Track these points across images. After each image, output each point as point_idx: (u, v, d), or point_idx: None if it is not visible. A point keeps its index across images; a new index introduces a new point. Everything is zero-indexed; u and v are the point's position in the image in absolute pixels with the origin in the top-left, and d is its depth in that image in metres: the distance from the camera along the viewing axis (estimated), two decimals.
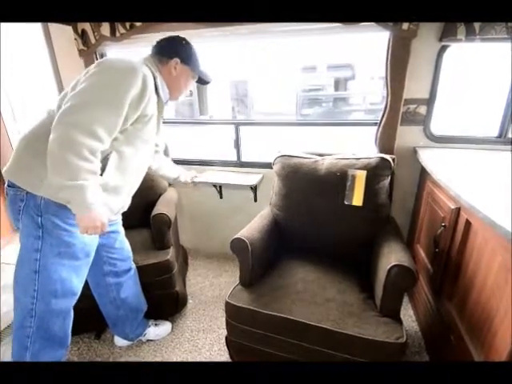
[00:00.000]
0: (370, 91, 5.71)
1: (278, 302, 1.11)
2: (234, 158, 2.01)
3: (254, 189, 1.93)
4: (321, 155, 1.53)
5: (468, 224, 1.11)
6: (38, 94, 2.46)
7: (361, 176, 1.30)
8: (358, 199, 1.30)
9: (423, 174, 1.63)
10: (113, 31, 1.75)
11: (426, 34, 1.46)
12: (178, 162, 2.07)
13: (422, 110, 1.61)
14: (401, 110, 1.57)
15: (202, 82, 1.29)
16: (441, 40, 1.45)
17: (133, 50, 2.00)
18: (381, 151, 1.64)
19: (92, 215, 0.92)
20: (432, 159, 1.46)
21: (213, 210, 2.18)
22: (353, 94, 5.59)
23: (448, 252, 1.25)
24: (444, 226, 1.25)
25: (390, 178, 1.40)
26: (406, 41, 1.42)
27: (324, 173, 1.37)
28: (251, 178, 1.87)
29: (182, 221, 2.18)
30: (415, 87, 1.56)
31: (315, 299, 1.12)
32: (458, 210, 1.17)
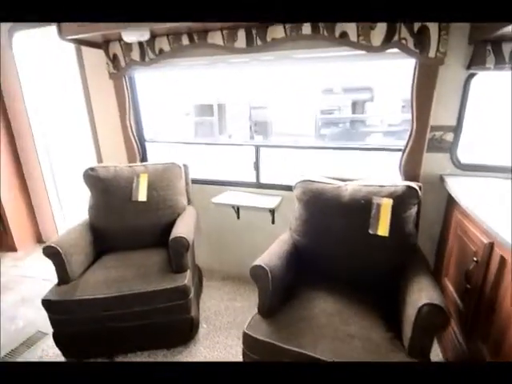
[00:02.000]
0: (388, 113, 5.70)
1: (299, 336, 1.05)
2: (253, 180, 2.01)
3: (272, 211, 1.91)
4: (343, 180, 1.50)
5: (503, 260, 1.04)
6: (67, 110, 2.57)
7: (386, 204, 1.26)
8: (383, 229, 1.26)
9: (450, 202, 1.57)
10: (142, 56, 1.83)
11: (454, 62, 1.44)
12: (197, 181, 2.09)
13: (449, 137, 1.57)
14: (427, 137, 1.54)
15: None
16: (469, 68, 1.43)
17: (160, 72, 2.08)
18: (406, 178, 1.60)
19: None
20: (461, 188, 1.40)
21: (229, 230, 2.16)
22: (370, 116, 5.59)
23: (481, 289, 1.17)
24: (476, 261, 1.18)
25: (416, 206, 1.34)
26: (433, 68, 1.40)
27: (348, 199, 1.33)
28: (270, 200, 1.85)
29: (198, 239, 2.17)
30: (441, 114, 1.53)
31: (338, 334, 1.06)
32: (492, 244, 1.10)
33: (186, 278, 1.46)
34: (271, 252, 1.30)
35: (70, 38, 1.71)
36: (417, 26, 1.36)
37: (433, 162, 1.61)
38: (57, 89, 2.50)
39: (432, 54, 1.37)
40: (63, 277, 1.46)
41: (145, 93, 2.21)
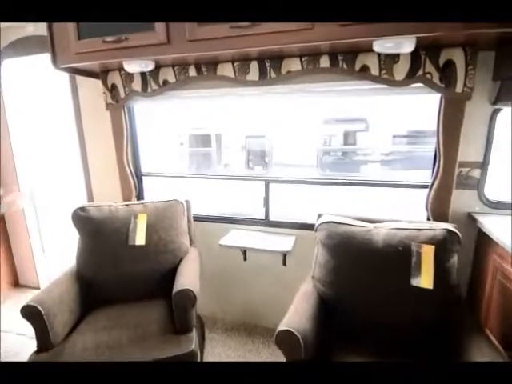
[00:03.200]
0: (379, 142, 5.78)
1: None
2: (262, 217, 1.84)
3: (283, 256, 1.72)
4: (370, 221, 1.36)
5: None
6: (57, 140, 2.38)
7: (428, 252, 1.11)
8: (427, 280, 1.10)
9: (483, 242, 1.45)
10: (144, 87, 1.70)
11: (479, 97, 1.38)
12: (200, 218, 1.91)
13: (476, 173, 1.48)
14: (455, 174, 1.44)
15: None
16: (494, 103, 1.37)
17: (162, 104, 1.96)
18: (434, 217, 1.47)
19: None
20: (496, 227, 1.29)
21: (235, 273, 1.95)
22: (365, 146, 5.65)
23: None
24: None
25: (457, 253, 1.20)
26: (460, 103, 1.33)
27: (382, 245, 1.18)
28: (282, 240, 1.68)
29: (199, 283, 1.94)
30: (467, 149, 1.45)
31: None
32: None
33: (193, 342, 1.22)
34: (298, 311, 1.10)
35: (65, 66, 1.57)
36: (442, 60, 1.30)
37: (460, 200, 1.50)
38: (46, 121, 2.33)
39: (459, 89, 1.30)
40: (44, 343, 1.20)
41: (140, 123, 2.07)
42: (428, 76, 1.32)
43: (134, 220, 1.53)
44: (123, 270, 1.50)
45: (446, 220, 1.42)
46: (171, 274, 1.46)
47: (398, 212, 1.51)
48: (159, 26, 1.32)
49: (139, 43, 1.39)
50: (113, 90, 1.77)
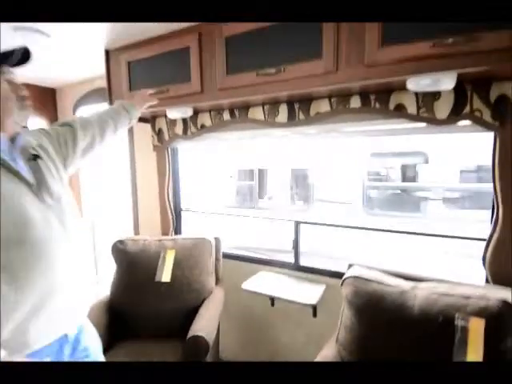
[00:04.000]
0: (444, 177, 5.12)
1: None
2: (292, 259, 1.75)
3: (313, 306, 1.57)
4: (407, 278, 1.17)
5: None
6: (115, 176, 2.69)
7: (477, 329, 0.89)
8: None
9: None
10: (185, 130, 1.84)
11: None
12: (229, 256, 1.89)
13: None
14: None
15: (9, 60, 0.83)
16: None
17: (201, 145, 2.08)
18: (493, 278, 1.21)
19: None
20: None
21: (262, 319, 1.84)
22: (426, 182, 5.05)
23: None
24: None
25: None
26: None
27: (417, 313, 0.99)
28: (311, 289, 1.54)
29: (224, 325, 1.87)
30: None
31: None
32: None
33: None
34: None
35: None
36: (494, 95, 1.13)
37: None
38: (108, 159, 2.66)
39: None
40: None
41: (187, 160, 2.21)
42: (477, 113, 1.16)
43: (163, 256, 1.59)
44: (148, 305, 1.53)
45: (509, 281, 1.14)
46: (193, 314, 1.44)
47: (452, 267, 1.27)
48: (194, 78, 1.45)
49: (178, 93, 1.53)
50: (159, 133, 1.96)
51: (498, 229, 1.20)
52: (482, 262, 1.25)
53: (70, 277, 0.84)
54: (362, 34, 1.09)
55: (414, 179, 5.16)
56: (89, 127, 1.11)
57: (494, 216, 1.22)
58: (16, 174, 0.76)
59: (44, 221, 0.78)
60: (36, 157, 0.84)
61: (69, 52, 1.75)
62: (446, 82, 1.06)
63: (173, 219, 2.04)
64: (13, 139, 0.81)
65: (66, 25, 1.43)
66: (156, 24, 1.43)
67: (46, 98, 2.54)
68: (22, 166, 0.79)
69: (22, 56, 0.85)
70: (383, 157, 5.09)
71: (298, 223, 1.70)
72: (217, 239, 1.76)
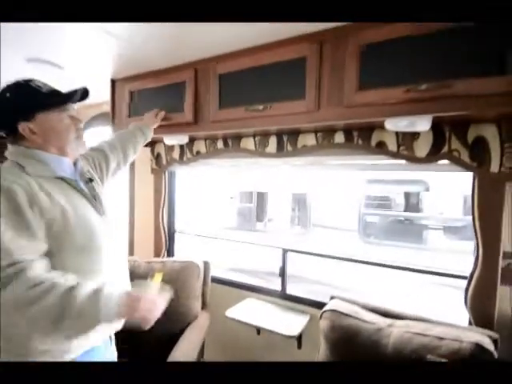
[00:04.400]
0: (445, 206, 5.02)
1: None
2: (279, 287, 1.75)
3: (298, 337, 1.55)
4: (386, 315, 1.17)
5: None
6: (115, 196, 2.77)
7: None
8: None
9: None
10: (181, 156, 1.92)
11: None
12: (217, 280, 1.90)
13: None
14: (499, 267, 1.18)
15: (72, 99, 0.95)
16: None
17: (198, 169, 2.15)
18: (475, 318, 1.19)
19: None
20: None
21: (247, 347, 1.82)
22: (425, 211, 4.97)
23: None
24: None
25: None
26: (498, 185, 1.14)
27: (391, 352, 0.99)
28: (295, 319, 1.54)
29: (209, 352, 1.84)
30: None
31: None
32: None
33: None
34: None
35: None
36: (471, 136, 1.17)
37: (510, 299, 1.19)
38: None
39: (495, 168, 1.13)
40: None
41: (188, 181, 2.27)
42: (455, 154, 1.19)
43: (150, 279, 1.61)
44: (131, 328, 1.54)
45: (490, 324, 1.13)
46: (176, 338, 1.45)
47: (443, 300, 1.25)
48: (187, 110, 1.54)
49: (174, 122, 1.62)
50: (157, 157, 2.04)
51: (478, 268, 1.20)
52: (463, 300, 1.24)
53: (118, 281, 0.98)
54: (341, 78, 1.16)
55: (416, 207, 5.10)
56: (114, 150, 1.27)
57: (475, 255, 1.22)
58: (81, 192, 0.93)
59: (102, 232, 0.92)
60: (91, 180, 1.02)
61: (79, 79, 1.88)
62: (421, 124, 1.11)
63: (166, 241, 2.08)
64: (74, 164, 0.97)
65: (77, 56, 1.55)
66: (157, 58, 1.55)
67: None
68: (83, 187, 0.96)
69: (82, 95, 0.98)
70: (380, 183, 5.07)
71: (285, 251, 1.72)
72: (206, 263, 1.78)
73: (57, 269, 0.81)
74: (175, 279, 1.63)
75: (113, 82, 1.88)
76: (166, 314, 1.54)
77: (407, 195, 5.19)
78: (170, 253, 2.15)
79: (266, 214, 5.98)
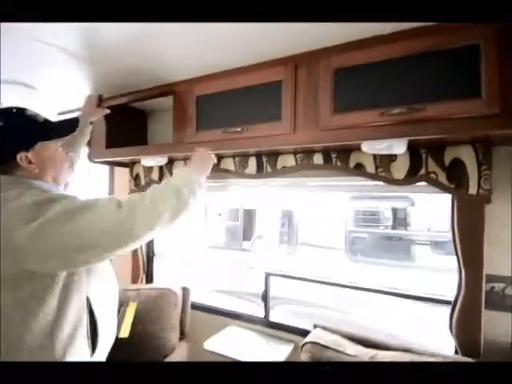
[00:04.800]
0: (432, 220, 5.01)
1: None
2: (262, 314, 1.67)
3: None
4: (371, 345, 1.11)
5: None
6: None
7: None
8: None
9: None
10: (161, 176, 1.87)
11: (505, 197, 1.15)
12: (197, 307, 1.81)
13: None
14: (483, 290, 1.15)
15: (63, 133, 0.94)
16: None
17: None
18: (460, 345, 1.15)
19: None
20: None
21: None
22: (414, 229, 4.95)
23: None
24: None
25: None
26: (477, 207, 1.13)
27: None
28: (278, 348, 1.46)
29: None
30: (500, 260, 1.16)
31: None
32: None
33: None
34: None
35: (97, 160, 1.86)
36: (448, 158, 1.16)
37: (496, 325, 1.15)
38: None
39: (473, 190, 1.12)
40: None
41: None
42: (433, 176, 1.18)
43: (123, 310, 1.51)
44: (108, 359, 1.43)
45: (476, 352, 1.09)
46: None
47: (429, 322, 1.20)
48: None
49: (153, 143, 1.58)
50: (136, 178, 1.98)
51: (462, 293, 1.17)
52: (448, 327, 1.20)
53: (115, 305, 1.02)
54: (316, 101, 1.15)
55: (404, 221, 5.12)
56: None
57: (458, 279, 1.19)
58: None
59: None
60: None
61: (54, 100, 1.83)
62: (397, 147, 1.09)
63: (144, 265, 1.99)
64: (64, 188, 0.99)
65: (51, 76, 1.51)
66: (134, 80, 1.52)
67: None
68: None
69: (73, 125, 0.99)
70: (365, 199, 5.05)
71: (268, 275, 1.66)
72: (185, 289, 1.70)
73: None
74: (151, 309, 1.54)
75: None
76: (141, 347, 1.46)
77: (394, 210, 5.22)
78: (149, 277, 2.05)
79: (253, 232, 5.88)
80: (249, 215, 5.94)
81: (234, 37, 1.12)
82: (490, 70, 0.90)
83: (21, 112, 0.87)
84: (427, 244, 4.79)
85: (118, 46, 1.19)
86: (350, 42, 1.10)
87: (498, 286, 1.17)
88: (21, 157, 0.82)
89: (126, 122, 1.87)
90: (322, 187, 1.46)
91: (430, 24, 0.98)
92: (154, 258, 2.09)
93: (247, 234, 5.88)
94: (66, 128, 0.96)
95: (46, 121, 0.91)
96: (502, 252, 1.15)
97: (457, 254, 1.17)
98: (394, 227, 5.61)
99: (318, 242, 5.35)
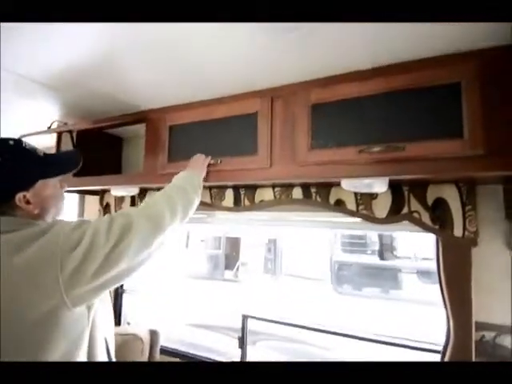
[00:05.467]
0: (418, 248, 4.95)
1: None
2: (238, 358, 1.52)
3: None
4: None
5: None
6: None
7: None
8: None
9: None
10: (132, 206, 1.75)
11: (493, 239, 1.09)
12: (167, 352, 1.64)
13: (506, 341, 1.07)
14: (472, 340, 1.05)
15: (66, 169, 0.88)
16: None
17: None
18: None
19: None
20: None
21: None
22: (400, 258, 4.88)
23: None
24: None
25: None
26: (463, 249, 1.06)
27: None
28: None
29: None
30: (490, 307, 1.08)
31: None
32: None
33: None
34: None
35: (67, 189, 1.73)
36: (430, 198, 1.10)
37: None
38: None
39: (458, 232, 1.05)
40: None
41: None
42: (416, 215, 1.11)
43: None
44: None
45: None
46: None
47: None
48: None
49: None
50: (106, 208, 1.86)
51: (450, 341, 1.07)
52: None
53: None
54: (293, 136, 1.09)
55: (390, 246, 5.06)
56: None
57: (446, 327, 1.10)
58: None
59: None
60: None
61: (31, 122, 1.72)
62: (377, 186, 1.03)
63: (111, 303, 1.82)
64: None
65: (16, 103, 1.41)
66: (102, 111, 1.45)
67: None
68: None
69: (76, 160, 0.92)
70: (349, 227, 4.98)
71: (245, 317, 1.52)
72: (154, 333, 1.54)
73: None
74: (116, 357, 1.36)
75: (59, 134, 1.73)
76: None
77: (380, 236, 5.19)
78: (117, 318, 1.87)
79: (236, 260, 5.64)
80: (232, 243, 5.73)
81: (210, 68, 1.07)
82: (472, 110, 0.86)
83: (19, 145, 0.77)
84: (413, 273, 4.72)
85: (88, 73, 1.12)
86: (329, 77, 1.06)
87: (489, 334, 1.08)
88: (19, 197, 0.73)
89: (98, 148, 1.77)
90: (303, 222, 1.38)
91: (410, 60, 0.95)
92: (124, 295, 1.92)
93: (229, 262, 5.63)
94: (69, 163, 0.89)
95: (46, 155, 0.83)
96: (492, 298, 1.08)
97: (444, 302, 1.09)
98: (380, 252, 5.56)
99: (303, 273, 5.19)
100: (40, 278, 0.64)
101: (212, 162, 1.22)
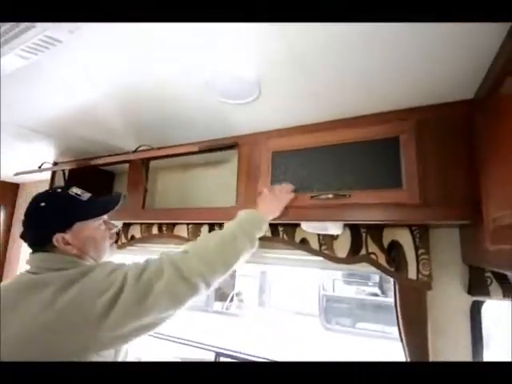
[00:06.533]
0: None
1: None
2: None
3: None
4: None
5: None
6: None
7: None
8: None
9: None
10: (116, 240, 1.82)
11: (449, 283, 1.11)
12: None
13: None
14: None
15: (109, 208, 0.90)
16: (470, 293, 1.09)
17: (130, 254, 2.01)
18: None
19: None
20: None
21: None
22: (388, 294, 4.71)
23: None
24: None
25: None
26: (419, 293, 1.09)
27: None
28: None
29: None
30: (447, 348, 1.08)
31: None
32: None
33: None
34: None
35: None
36: (386, 240, 1.15)
37: None
38: None
39: (412, 275, 1.08)
40: None
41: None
42: (373, 256, 1.16)
43: None
44: None
45: None
46: None
47: None
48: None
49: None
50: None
51: None
52: None
53: None
54: (257, 180, 1.17)
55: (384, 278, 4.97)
56: None
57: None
58: None
59: None
60: None
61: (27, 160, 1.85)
62: (332, 228, 1.10)
63: None
64: None
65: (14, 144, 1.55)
66: (92, 151, 1.58)
67: (8, 192, 2.64)
68: None
69: (116, 201, 0.93)
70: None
71: (218, 354, 1.52)
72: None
73: None
74: None
75: (55, 163, 1.87)
76: None
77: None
78: None
79: (230, 292, 5.52)
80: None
81: (193, 113, 1.16)
82: (409, 162, 0.94)
83: (63, 191, 0.85)
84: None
85: (78, 120, 1.25)
86: (287, 128, 1.17)
87: None
88: (57, 238, 0.78)
89: (89, 183, 1.88)
90: (281, 260, 1.43)
91: (353, 117, 1.05)
92: None
93: (221, 294, 5.53)
94: (107, 205, 0.90)
95: (90, 199, 0.87)
96: (448, 343, 1.08)
97: (402, 345, 1.09)
98: (380, 285, 5.44)
99: (292, 308, 5.05)
100: (73, 320, 0.67)
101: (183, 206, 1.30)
